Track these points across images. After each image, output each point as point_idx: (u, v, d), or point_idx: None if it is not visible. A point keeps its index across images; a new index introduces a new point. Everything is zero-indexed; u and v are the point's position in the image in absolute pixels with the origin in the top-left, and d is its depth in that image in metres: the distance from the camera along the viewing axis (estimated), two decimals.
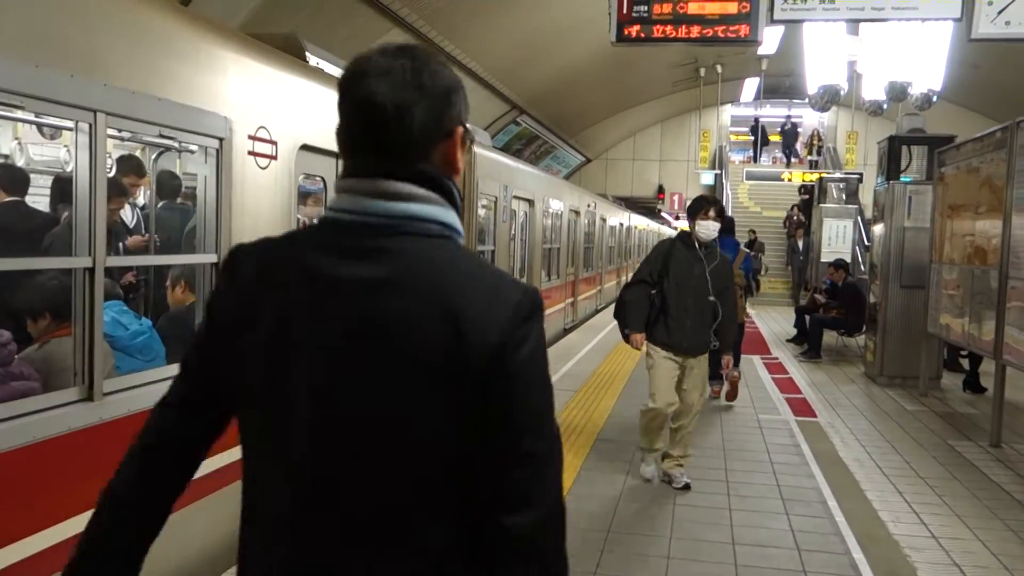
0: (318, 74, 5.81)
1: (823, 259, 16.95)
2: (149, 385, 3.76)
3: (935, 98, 13.75)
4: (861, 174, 22.64)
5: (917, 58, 13.16)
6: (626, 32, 8.56)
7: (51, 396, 3.34)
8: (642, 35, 8.56)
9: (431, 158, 1.44)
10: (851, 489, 6.16)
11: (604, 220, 21.38)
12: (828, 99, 14.83)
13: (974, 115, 28.30)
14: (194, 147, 4.30)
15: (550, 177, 15.94)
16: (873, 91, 14.84)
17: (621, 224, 24.96)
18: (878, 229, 11.55)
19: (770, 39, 15.08)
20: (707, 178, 33.32)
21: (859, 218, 18.34)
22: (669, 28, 8.47)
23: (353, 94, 1.43)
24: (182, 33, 4.11)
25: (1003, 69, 21.98)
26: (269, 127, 4.74)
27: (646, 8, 8.47)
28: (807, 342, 13.08)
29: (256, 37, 5.17)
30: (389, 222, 1.37)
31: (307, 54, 6.08)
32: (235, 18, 11.98)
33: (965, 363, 10.75)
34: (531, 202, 12.44)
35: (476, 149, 9.22)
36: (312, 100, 5.36)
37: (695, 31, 8.46)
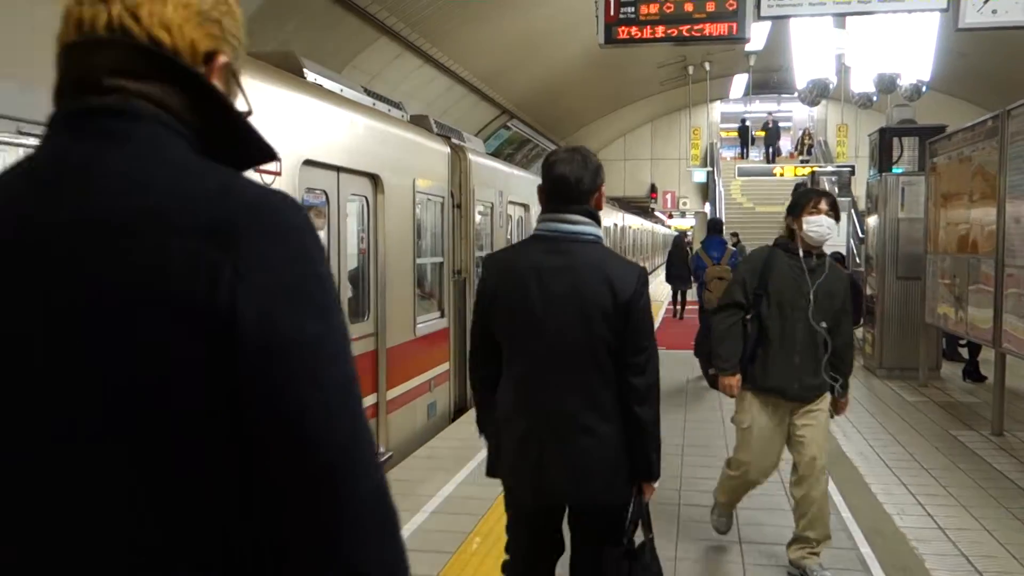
0: (317, 90, 5.93)
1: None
2: None
3: (924, 88, 13.79)
4: (853, 166, 22.68)
5: (905, 49, 13.18)
6: (614, 33, 8.58)
7: None
8: (630, 36, 8.58)
9: (589, 202, 2.87)
10: (856, 483, 6.16)
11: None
12: (817, 93, 14.86)
13: (964, 103, 28.35)
14: None
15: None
16: (862, 84, 14.87)
17: (615, 224, 25.01)
18: (872, 221, 11.57)
19: (757, 35, 15.09)
20: (699, 176, 33.38)
21: (852, 210, 18.36)
22: (657, 28, 8.49)
23: (553, 172, 2.86)
24: None
25: (991, 57, 22.02)
26: (273, 144, 4.57)
27: (633, 9, 8.49)
28: None
29: (254, 56, 5.26)
30: (570, 235, 2.82)
31: (305, 71, 6.17)
32: None
33: (964, 352, 10.76)
34: (526, 207, 12.55)
35: (471, 157, 9.29)
36: (312, 116, 5.54)
37: (683, 30, 8.49)
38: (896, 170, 12.76)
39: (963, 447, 7.17)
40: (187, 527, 0.95)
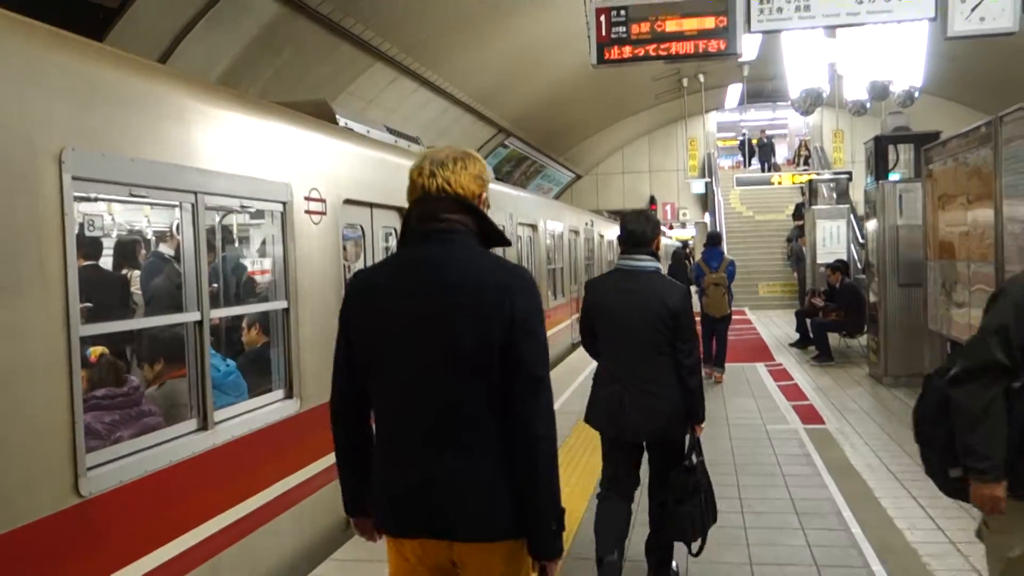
0: (349, 135, 6.56)
1: (819, 260, 16.96)
2: (243, 415, 4.63)
3: (917, 94, 13.82)
4: (850, 172, 22.73)
5: (896, 57, 13.23)
6: (606, 54, 8.62)
7: (177, 427, 4.14)
8: (622, 55, 8.61)
9: (651, 246, 4.57)
10: (865, 498, 6.15)
11: (602, 236, 21.97)
12: (811, 102, 14.90)
13: (957, 106, 28.41)
14: (262, 210, 5.09)
15: (550, 201, 16.70)
16: (855, 91, 14.92)
17: (619, 238, 25.06)
18: (871, 227, 11.58)
19: (750, 46, 15.16)
20: (698, 187, 33.40)
21: (852, 216, 18.40)
22: (649, 47, 8.52)
23: (626, 227, 4.61)
24: (254, 118, 4.94)
25: (981, 59, 22.08)
26: (319, 187, 5.54)
27: (624, 29, 8.52)
28: (816, 347, 13.07)
29: (291, 106, 5.85)
30: (639, 268, 4.53)
31: (337, 117, 6.76)
32: (217, 65, 12.04)
33: None
34: (534, 227, 12.91)
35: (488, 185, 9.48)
36: (347, 158, 6.16)
37: (674, 48, 8.52)
38: (892, 173, 12.79)
39: None
40: (487, 389, 2.43)
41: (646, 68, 24.08)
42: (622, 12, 8.38)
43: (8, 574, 2.97)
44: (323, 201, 5.56)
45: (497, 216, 10.12)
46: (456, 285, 2.43)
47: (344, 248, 6.08)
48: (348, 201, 5.96)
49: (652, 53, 8.58)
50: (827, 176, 22.52)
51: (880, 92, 13.51)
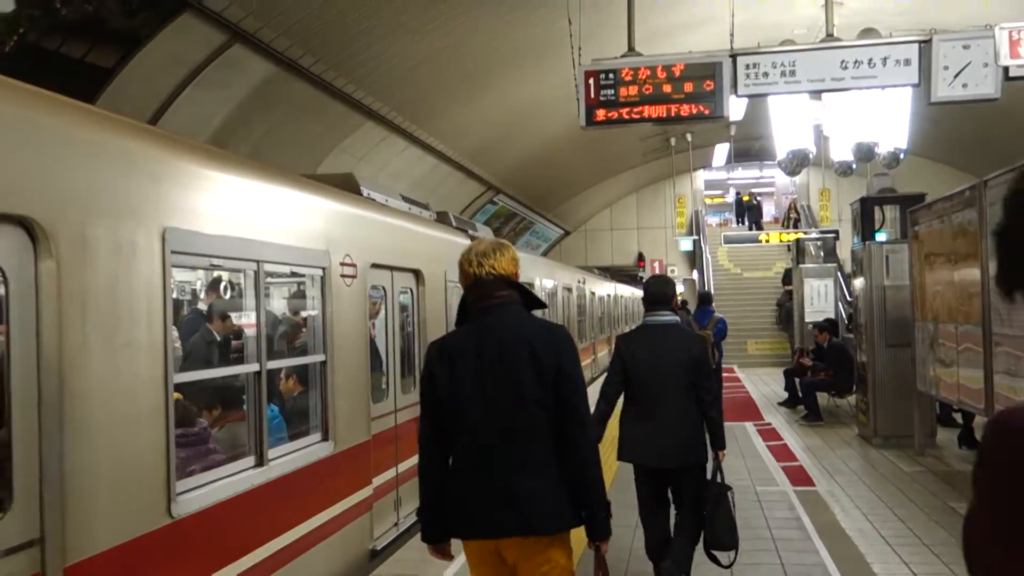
0: (372, 204, 7.38)
1: (807, 318, 17.02)
2: (289, 454, 5.29)
3: (902, 156, 14.02)
4: (837, 231, 22.95)
5: (881, 119, 13.44)
6: (595, 116, 8.73)
7: (239, 463, 4.75)
8: (611, 117, 8.72)
9: (671, 304, 5.55)
10: (857, 563, 6.08)
11: (594, 293, 22.24)
12: (798, 163, 15.09)
13: (942, 167, 28.84)
14: (306, 274, 5.87)
15: (546, 260, 17.64)
16: (841, 152, 15.12)
17: (608, 295, 25.21)
18: (858, 287, 11.64)
19: (736, 108, 15.39)
20: (686, 244, 33.63)
21: (839, 274, 18.53)
22: (637, 110, 8.63)
23: (650, 290, 5.60)
24: (299, 193, 5.72)
25: (964, 121, 22.46)
26: (351, 253, 6.26)
27: (613, 92, 8.64)
28: (804, 406, 13.06)
29: (320, 178, 6.74)
30: (662, 323, 5.42)
31: (362, 188, 7.50)
32: (210, 124, 12.14)
33: (959, 418, 10.73)
34: (531, 284, 13.02)
35: (447, 226, 10.14)
36: (372, 226, 6.97)
37: (662, 111, 8.63)
38: (879, 234, 12.89)
39: (962, 520, 7.10)
40: (546, 418, 3.25)
41: (634, 128, 24.39)
42: (611, 75, 8.51)
43: None
44: (354, 266, 6.30)
45: None
46: (515, 344, 3.29)
47: (372, 307, 6.96)
48: (374, 265, 6.76)
49: (640, 116, 8.69)
50: (814, 235, 22.73)
51: (866, 154, 13.70)
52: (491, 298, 3.37)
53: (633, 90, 8.62)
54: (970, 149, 27.29)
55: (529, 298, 3.47)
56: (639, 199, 37.09)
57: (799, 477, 8.94)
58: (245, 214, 4.84)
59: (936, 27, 8.12)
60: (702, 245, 33.27)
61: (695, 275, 33.74)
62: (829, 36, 8.49)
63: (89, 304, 3.53)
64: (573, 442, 3.25)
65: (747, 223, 35.90)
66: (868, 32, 11.23)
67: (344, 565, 5.92)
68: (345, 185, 7.02)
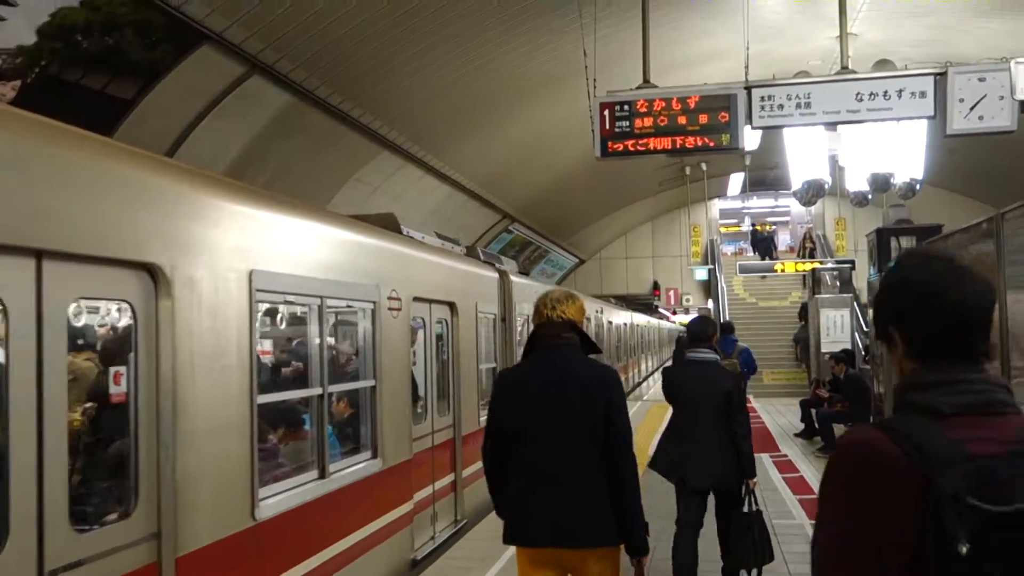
0: (412, 242, 8.12)
1: (823, 349, 16.92)
2: (347, 469, 5.98)
3: (918, 187, 13.96)
4: (853, 261, 22.83)
5: (897, 149, 13.40)
6: (610, 147, 8.74)
7: (305, 475, 5.46)
8: (626, 148, 8.74)
9: (711, 342, 6.29)
10: None
11: (611, 323, 22.46)
12: (813, 194, 15.04)
13: (958, 197, 28.74)
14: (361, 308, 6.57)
15: (575, 294, 16.61)
16: (856, 183, 15.08)
17: (624, 324, 25.21)
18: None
19: (751, 138, 15.41)
20: (701, 273, 33.56)
21: (855, 304, 18.43)
22: (652, 141, 8.64)
23: (691, 329, 6.60)
24: (353, 234, 6.52)
25: (981, 152, 22.42)
26: (396, 287, 7.00)
27: (628, 123, 8.66)
28: (821, 437, 12.95)
29: (363, 218, 7.40)
30: (702, 359, 6.14)
31: (402, 227, 8.19)
32: (227, 154, 12.25)
33: None
34: None
35: (512, 278, 11.21)
36: (413, 262, 7.74)
37: (677, 142, 8.64)
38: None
39: None
40: (596, 446, 3.77)
41: (649, 157, 24.45)
42: (626, 107, 8.53)
43: (212, 573, 4.26)
44: (399, 299, 7.06)
45: (523, 307, 11.53)
46: (571, 381, 3.87)
47: (413, 337, 7.68)
48: (415, 298, 7.50)
49: (655, 147, 8.70)
50: (830, 265, 22.63)
51: (881, 184, 13.65)
52: (557, 338, 3.97)
53: (648, 121, 8.64)
54: (987, 180, 27.20)
55: (587, 343, 4.07)
56: (654, 227, 37.10)
57: (816, 511, 8.83)
58: (311, 255, 5.62)
59: (951, 59, 8.12)
60: (717, 274, 33.20)
61: (710, 304, 33.65)
62: (844, 68, 8.49)
63: (195, 334, 4.20)
64: (617, 468, 3.77)
65: (759, 255, 35.84)
66: (883, 64, 11.26)
67: (388, 573, 6.64)
68: (387, 224, 7.78)
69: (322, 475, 5.57)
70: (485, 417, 6.79)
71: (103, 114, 9.67)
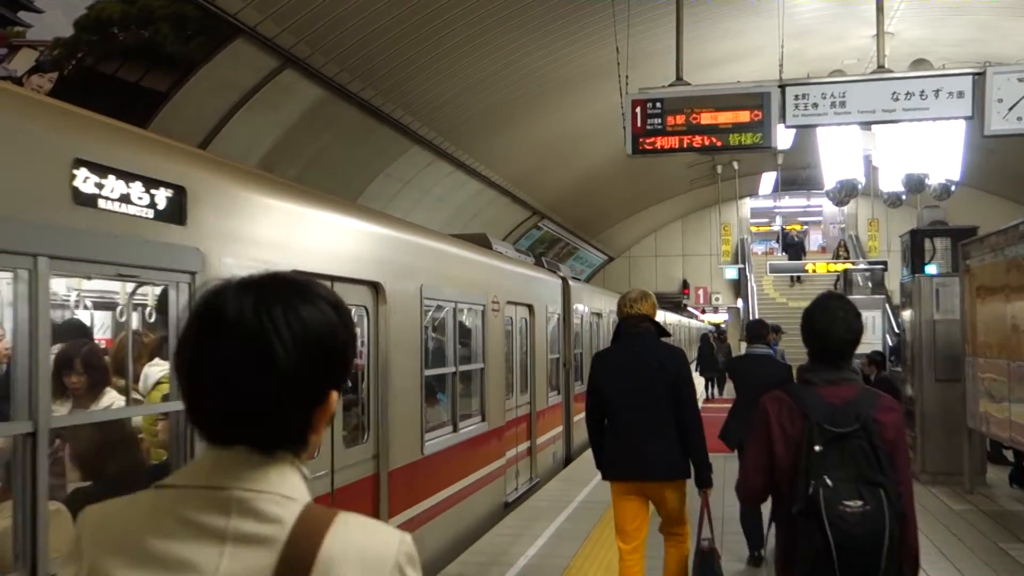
0: (502, 257, 10.27)
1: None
2: (468, 427, 8.35)
3: (953, 188, 13.77)
4: (885, 262, 22.58)
5: (932, 150, 13.23)
6: (641, 144, 8.68)
7: (446, 428, 7.82)
8: (657, 146, 8.68)
9: (767, 339, 8.07)
10: None
11: None
12: (846, 193, 14.87)
13: (995, 198, 28.32)
14: (472, 309, 8.71)
15: (612, 294, 18.93)
16: (890, 183, 14.90)
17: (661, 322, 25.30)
18: (907, 316, 11.43)
19: (784, 137, 15.29)
20: (731, 273, 33.33)
21: (887, 306, 18.22)
22: (684, 138, 8.58)
23: (751, 326, 8.21)
24: (469, 253, 8.75)
25: (1017, 154, 22.08)
26: (496, 294, 9.14)
27: (660, 121, 8.59)
28: None
29: (462, 237, 9.23)
30: (759, 354, 7.50)
31: (492, 243, 10.33)
32: (260, 147, 12.32)
33: (1009, 455, 10.47)
34: (599, 315, 16.11)
35: (571, 283, 13.50)
36: (505, 273, 9.92)
37: (709, 140, 8.58)
38: (929, 266, 12.67)
39: (1015, 563, 6.92)
40: (670, 406, 5.08)
41: (681, 155, 24.33)
42: (658, 104, 8.47)
43: (404, 483, 6.40)
44: (498, 303, 9.18)
45: (578, 308, 13.85)
46: (650, 359, 5.15)
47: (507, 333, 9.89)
48: (509, 302, 9.69)
49: (687, 144, 8.64)
50: (862, 266, 22.39)
51: (916, 185, 13.47)
52: (636, 327, 5.27)
53: (680, 119, 8.57)
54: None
55: (660, 329, 5.36)
56: (684, 226, 36.91)
57: None
58: (452, 271, 7.93)
59: (990, 59, 8.00)
60: (747, 273, 32.97)
61: (739, 304, 33.43)
62: (880, 67, 8.39)
63: (394, 327, 6.21)
64: (686, 421, 5.07)
65: (789, 259, 35.49)
66: (920, 63, 11.11)
67: (490, 509, 8.84)
68: (479, 241, 9.78)
69: (455, 429, 7.88)
70: (553, 397, 11.14)
71: (138, 106, 9.76)
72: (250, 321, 1.24)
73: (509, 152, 19.83)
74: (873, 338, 16.98)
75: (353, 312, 5.17)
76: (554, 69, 15.97)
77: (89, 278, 4.00)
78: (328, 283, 4.43)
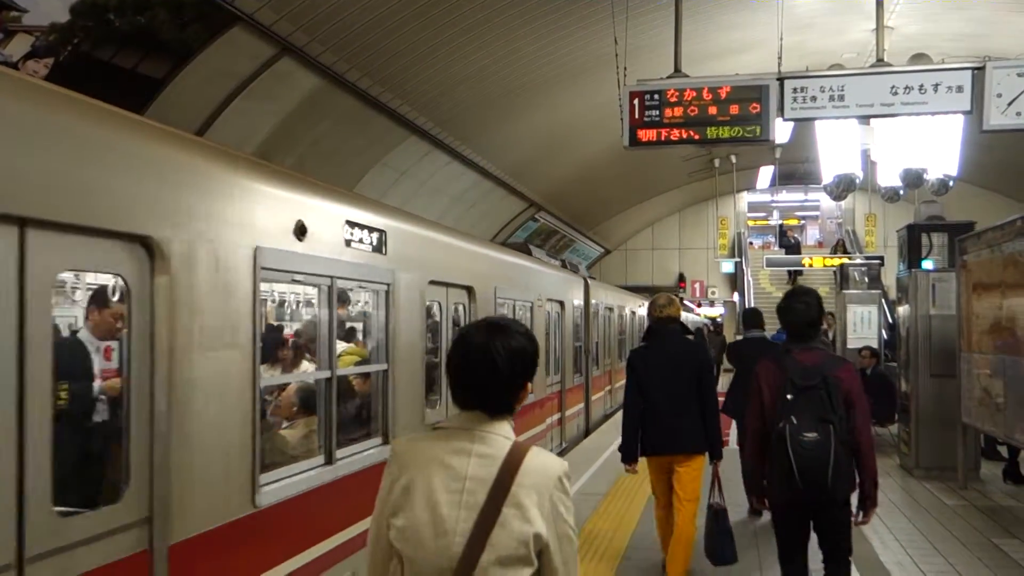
0: (542, 262, 12.51)
1: (849, 345, 16.73)
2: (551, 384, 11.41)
3: (951, 183, 13.77)
4: (882, 257, 22.57)
5: (931, 145, 13.21)
6: (639, 136, 8.65)
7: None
8: (655, 138, 8.64)
9: (761, 326, 9.02)
10: None
11: (634, 313, 23.85)
12: (844, 188, 14.85)
13: (992, 194, 28.33)
14: (526, 306, 10.40)
15: (624, 291, 23.10)
16: (888, 178, 14.89)
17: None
18: (903, 312, 11.42)
19: (782, 129, 15.25)
20: (727, 266, 33.31)
21: (883, 302, 18.21)
22: (681, 131, 8.54)
23: (745, 314, 9.16)
24: (528, 264, 10.81)
25: (1016, 150, 22.07)
26: (542, 295, 11.06)
27: (657, 112, 8.55)
28: None
29: (507, 246, 11.78)
30: (758, 336, 8.87)
31: (532, 251, 12.91)
32: (256, 135, 12.27)
33: (1004, 451, 10.48)
34: (611, 308, 18.15)
35: (590, 282, 15.64)
36: (543, 275, 11.78)
37: (707, 133, 8.54)
38: (926, 262, 12.66)
39: (1007, 558, 6.92)
40: (696, 391, 6.08)
41: (678, 148, 24.27)
42: (655, 96, 8.44)
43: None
44: (541, 299, 11.04)
45: (596, 304, 15.97)
46: (679, 353, 6.16)
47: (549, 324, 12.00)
48: (549, 299, 11.69)
49: (684, 137, 8.60)
50: (859, 261, 22.39)
51: (914, 180, 13.46)
52: (666, 327, 6.31)
53: (678, 111, 8.54)
54: (1022, 177, 26.80)
55: (685, 328, 6.47)
56: (681, 219, 36.89)
57: None
58: (512, 276, 9.75)
59: (990, 54, 7.98)
60: (744, 267, 32.96)
61: (735, 297, 33.44)
62: (879, 61, 8.36)
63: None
64: (706, 405, 6.06)
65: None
66: (919, 58, 11.08)
67: None
68: (522, 249, 12.45)
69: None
70: (577, 378, 13.72)
71: (134, 93, 9.71)
72: (483, 345, 2.28)
73: (507, 143, 19.78)
74: (869, 333, 16.98)
75: (452, 307, 7.59)
76: (552, 60, 15.92)
77: (351, 290, 6.04)
78: (444, 288, 7.25)
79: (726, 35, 16.29)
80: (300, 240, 4.72)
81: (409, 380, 6.58)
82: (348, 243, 5.36)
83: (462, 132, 17.48)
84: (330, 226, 5.17)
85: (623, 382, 16.63)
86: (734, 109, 8.42)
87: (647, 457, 6.16)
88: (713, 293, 36.52)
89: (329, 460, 5.05)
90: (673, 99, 8.45)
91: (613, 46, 10.15)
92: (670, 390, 6.01)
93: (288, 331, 7.36)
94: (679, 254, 36.97)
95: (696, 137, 8.58)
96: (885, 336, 16.92)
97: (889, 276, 21.69)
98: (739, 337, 9.12)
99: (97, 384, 3.88)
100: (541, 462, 2.24)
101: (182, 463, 3.66)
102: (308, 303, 7.26)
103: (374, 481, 5.20)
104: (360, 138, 14.87)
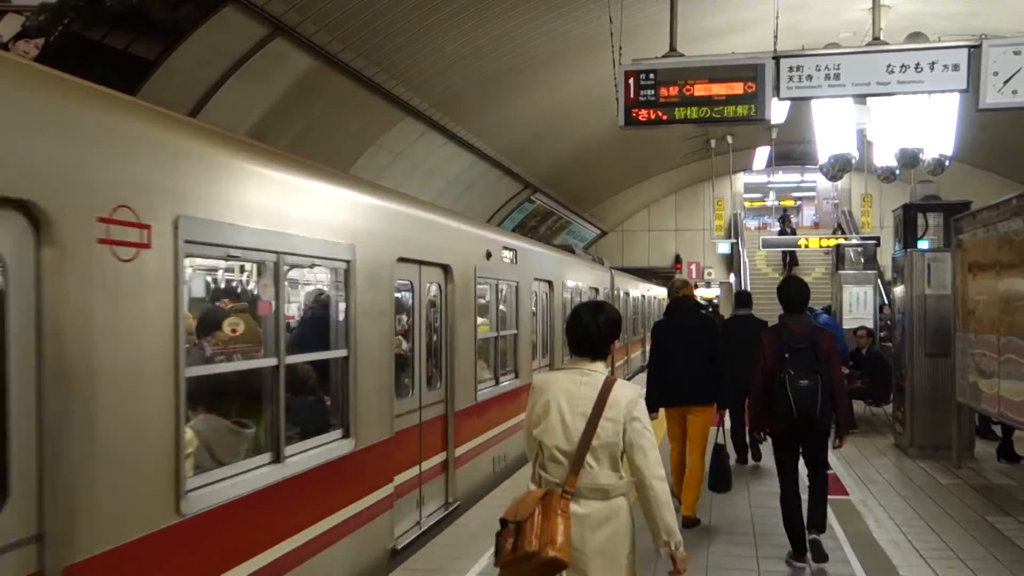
0: (582, 257, 18.04)
1: (845, 325, 16.75)
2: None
3: (947, 163, 13.73)
4: (878, 238, 22.54)
5: (927, 124, 13.17)
6: (634, 116, 8.60)
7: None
8: (650, 117, 8.60)
9: (750, 306, 10.42)
10: (889, 575, 5.97)
11: (656, 298, 27.50)
12: (840, 168, 14.81)
13: (988, 174, 28.29)
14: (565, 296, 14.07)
15: (635, 278, 25.31)
16: (884, 158, 14.85)
17: (643, 295, 25.37)
18: (898, 292, 11.42)
19: (779, 109, 15.15)
20: (724, 247, 33.29)
21: (879, 282, 18.21)
22: (677, 110, 8.50)
23: (736, 296, 11.17)
24: (576, 260, 16.63)
25: (1013, 129, 22.02)
26: (588, 282, 16.16)
27: (653, 92, 8.51)
28: None
29: (551, 246, 15.53)
30: (746, 315, 10.11)
31: (575, 250, 18.40)
32: (250, 117, 12.21)
33: (998, 430, 10.51)
34: (628, 293, 21.96)
35: (613, 272, 19.76)
36: (584, 269, 16.41)
37: (702, 112, 8.50)
38: (921, 240, 12.65)
39: (1000, 535, 6.96)
40: (710, 357, 7.54)
41: (674, 128, 24.15)
42: (651, 75, 8.39)
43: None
44: (587, 286, 15.76)
45: (617, 290, 20.11)
46: (696, 325, 7.75)
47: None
48: (589, 287, 15.57)
49: (680, 116, 8.57)
50: (855, 241, 22.38)
51: (910, 160, 13.42)
52: (683, 304, 7.89)
53: (673, 90, 8.48)
54: (1018, 157, 26.76)
55: (699, 305, 7.44)
56: (678, 201, 36.84)
57: (832, 486, 8.70)
58: (568, 271, 13.94)
59: (986, 32, 7.94)
60: (740, 248, 32.95)
61: (732, 278, 33.44)
62: (876, 40, 8.32)
63: (556, 305, 13.06)
64: (716, 363, 7.42)
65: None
66: (915, 36, 11.03)
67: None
68: (565, 247, 16.42)
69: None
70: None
71: (126, 74, 9.64)
72: (588, 316, 3.82)
73: (502, 124, 19.70)
74: (865, 313, 17.00)
75: (535, 296, 10.57)
76: (548, 40, 15.83)
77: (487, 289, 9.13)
78: (533, 283, 10.69)
79: (722, 15, 16.18)
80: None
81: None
82: (490, 255, 8.15)
83: (457, 113, 17.41)
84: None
85: (638, 352, 22.77)
86: (730, 88, 8.38)
87: (665, 408, 7.55)
88: (709, 274, 36.52)
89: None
90: (668, 78, 8.41)
91: (608, 25, 10.08)
92: (686, 353, 7.41)
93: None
94: (676, 235, 36.94)
95: (692, 117, 8.54)
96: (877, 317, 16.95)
97: (885, 256, 21.69)
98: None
99: None
100: (622, 387, 3.67)
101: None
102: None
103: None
104: (355, 119, 14.79)
